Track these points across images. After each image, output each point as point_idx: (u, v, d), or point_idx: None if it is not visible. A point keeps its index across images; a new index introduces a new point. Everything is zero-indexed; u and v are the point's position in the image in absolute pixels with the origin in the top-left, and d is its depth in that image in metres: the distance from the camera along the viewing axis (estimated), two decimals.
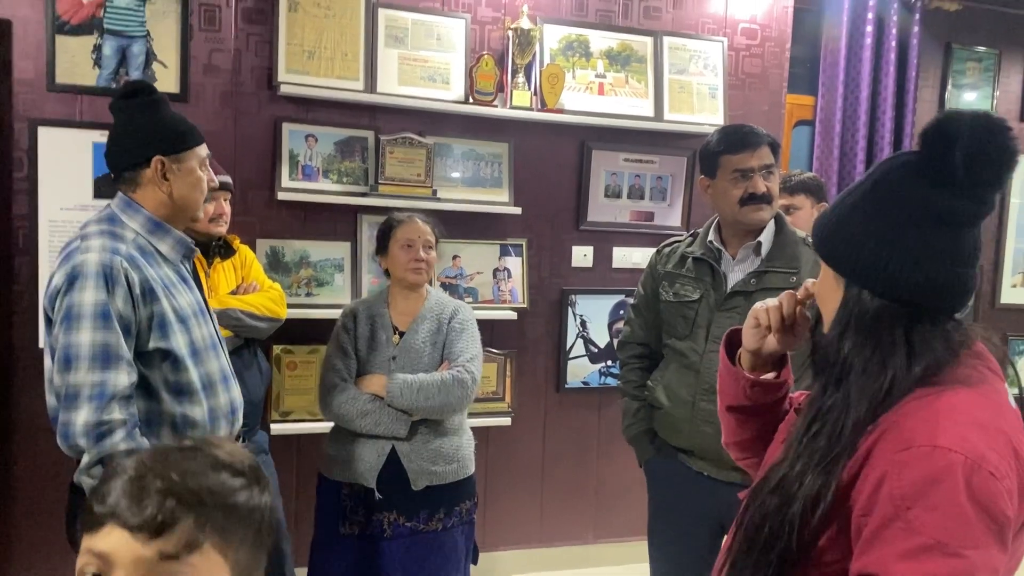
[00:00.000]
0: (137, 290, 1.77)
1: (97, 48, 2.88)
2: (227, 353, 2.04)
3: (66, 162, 2.80)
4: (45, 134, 2.82)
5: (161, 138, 1.88)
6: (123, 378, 1.73)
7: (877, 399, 1.07)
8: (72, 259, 1.77)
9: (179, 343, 1.83)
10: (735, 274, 2.23)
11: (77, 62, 2.86)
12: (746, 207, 2.17)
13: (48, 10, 2.82)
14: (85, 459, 1.71)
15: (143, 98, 1.90)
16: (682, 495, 2.29)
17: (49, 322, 1.80)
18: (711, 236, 2.28)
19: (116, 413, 1.71)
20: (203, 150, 1.96)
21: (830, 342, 1.15)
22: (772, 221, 2.23)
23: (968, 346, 1.11)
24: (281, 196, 3.08)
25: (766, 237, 2.20)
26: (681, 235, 2.47)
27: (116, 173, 1.91)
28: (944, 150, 1.08)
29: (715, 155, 2.22)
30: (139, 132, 1.88)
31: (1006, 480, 0.99)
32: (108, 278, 1.74)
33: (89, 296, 1.73)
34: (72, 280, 1.75)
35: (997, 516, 0.97)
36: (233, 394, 1.98)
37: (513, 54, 3.28)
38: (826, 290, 1.19)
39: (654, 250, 2.49)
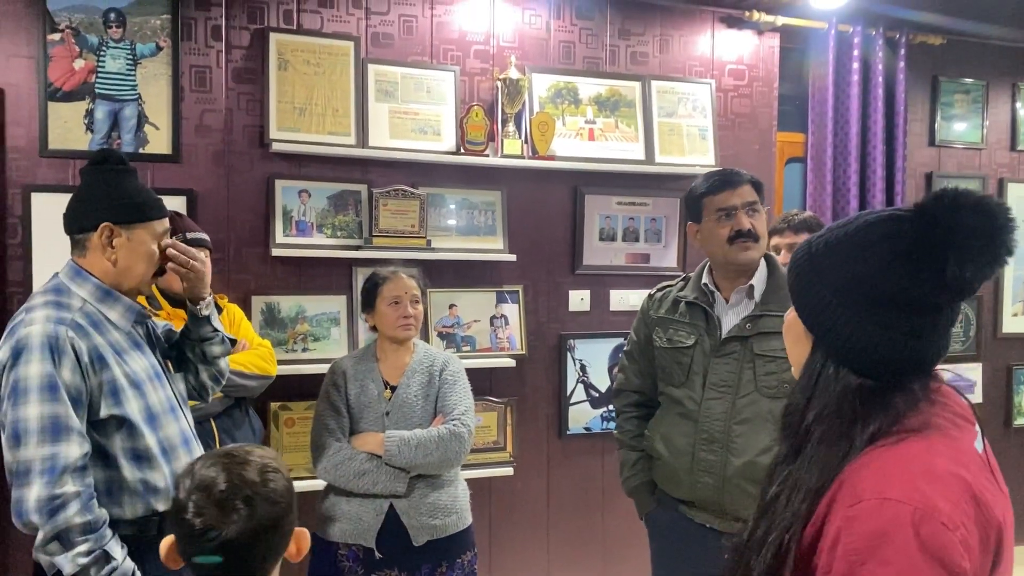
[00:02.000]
0: (85, 358, 1.76)
1: (89, 113, 2.90)
2: (189, 416, 2.02)
3: (60, 227, 2.79)
4: (38, 200, 2.83)
5: (114, 206, 1.87)
6: (74, 449, 1.70)
7: (831, 467, 1.05)
8: (16, 333, 1.76)
9: (133, 409, 1.81)
10: (729, 318, 2.21)
11: (70, 127, 2.88)
12: (734, 245, 2.16)
13: (40, 77, 2.85)
14: (40, 535, 1.68)
15: (109, 166, 1.91)
16: (685, 548, 2.24)
17: None
18: (704, 279, 2.27)
19: (69, 486, 1.68)
20: (160, 226, 1.94)
21: (795, 408, 1.12)
22: (764, 263, 2.22)
23: (929, 396, 1.08)
24: (275, 252, 3.08)
25: (758, 279, 2.19)
26: (673, 279, 2.46)
27: (69, 236, 1.92)
28: (936, 243, 1.02)
29: (698, 198, 2.24)
30: (94, 198, 1.89)
31: (960, 530, 0.96)
32: (54, 349, 1.72)
33: (35, 369, 1.71)
34: (17, 354, 1.73)
35: (952, 568, 0.94)
36: (196, 457, 1.95)
37: (503, 104, 3.31)
38: (794, 333, 1.18)
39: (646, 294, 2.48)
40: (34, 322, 1.75)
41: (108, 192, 1.89)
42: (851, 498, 1.00)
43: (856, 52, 3.91)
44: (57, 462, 1.68)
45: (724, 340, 2.17)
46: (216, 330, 2.11)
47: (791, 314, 1.19)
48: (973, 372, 4.24)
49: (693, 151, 3.64)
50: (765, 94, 3.84)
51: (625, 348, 2.50)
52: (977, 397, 4.27)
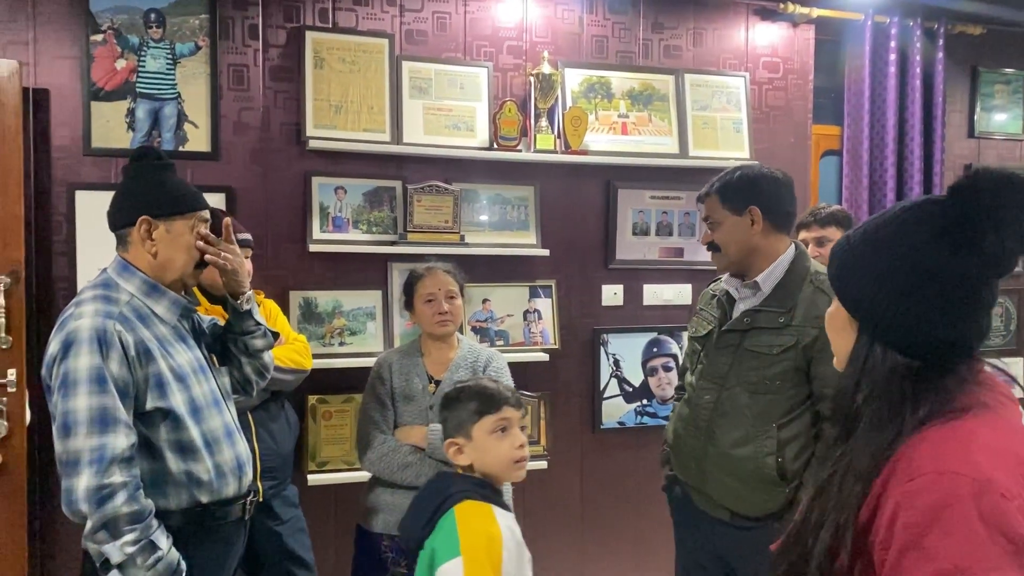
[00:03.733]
0: (132, 352, 1.80)
1: (130, 112, 2.96)
2: (233, 409, 2.05)
3: (103, 224, 2.85)
4: (82, 198, 2.90)
5: (151, 200, 1.92)
6: (122, 440, 1.74)
7: (881, 449, 1.08)
8: (66, 326, 1.80)
9: (178, 402, 1.85)
10: (736, 311, 2.26)
11: (112, 127, 2.94)
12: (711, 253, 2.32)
13: (83, 77, 2.91)
14: (88, 524, 1.72)
15: (146, 162, 1.96)
16: (689, 527, 2.36)
17: (49, 390, 1.82)
18: (725, 276, 2.34)
19: (117, 476, 1.72)
20: (199, 216, 1.98)
21: (845, 391, 1.15)
22: (791, 254, 2.22)
23: (976, 377, 1.11)
24: (313, 248, 3.12)
25: (766, 275, 2.20)
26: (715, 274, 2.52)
27: (113, 232, 1.97)
28: (974, 219, 1.07)
29: None
30: (133, 193, 1.94)
31: (1018, 500, 0.98)
32: (102, 342, 1.77)
33: (84, 361, 1.75)
34: (67, 347, 1.77)
35: (1013, 537, 0.96)
36: (239, 449, 1.98)
37: (535, 99, 3.32)
38: (838, 324, 1.20)
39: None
40: (83, 316, 1.80)
41: (145, 187, 1.93)
42: (908, 474, 1.03)
43: (893, 43, 3.86)
44: (105, 452, 1.72)
45: (723, 332, 2.24)
46: (258, 324, 2.14)
47: (832, 306, 1.22)
48: (1014, 366, 4.17)
49: (727, 144, 3.63)
50: (800, 87, 3.81)
51: None
52: (1017, 392, 4.20)
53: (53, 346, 1.81)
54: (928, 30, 3.93)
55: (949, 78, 4.00)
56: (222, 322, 2.19)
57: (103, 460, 1.72)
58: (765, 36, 3.75)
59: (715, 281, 2.46)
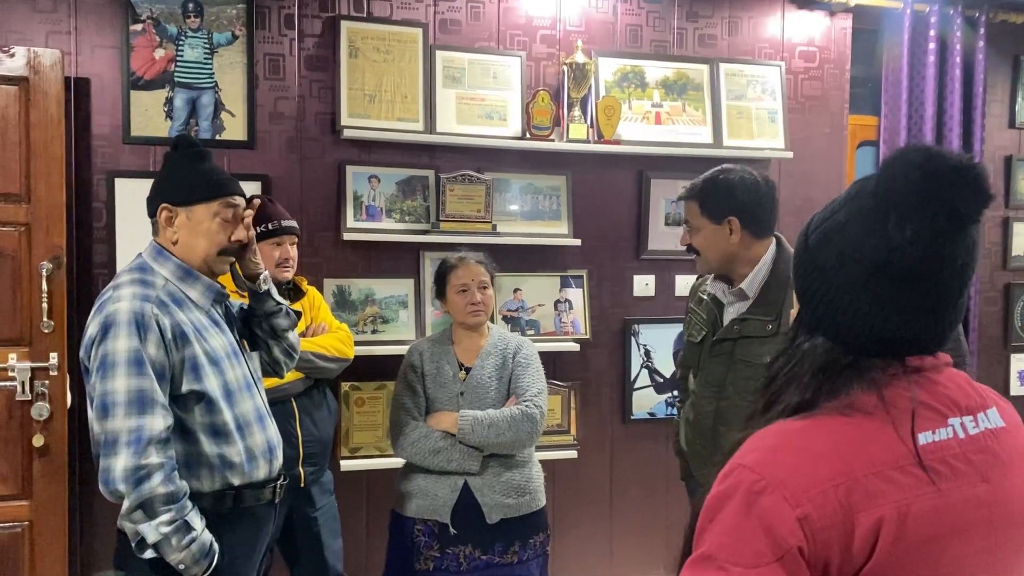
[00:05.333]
0: (169, 335, 1.83)
1: (169, 101, 3.00)
2: (264, 393, 2.08)
3: (141, 211, 2.90)
4: (121, 185, 2.95)
5: (171, 187, 1.95)
6: (159, 422, 1.77)
7: (745, 434, 1.05)
8: (105, 309, 1.83)
9: (212, 385, 1.88)
10: (727, 318, 2.24)
11: (150, 115, 2.99)
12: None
13: (123, 67, 2.96)
14: (125, 504, 1.75)
15: (181, 151, 1.99)
16: None
17: (87, 372, 1.86)
18: (710, 279, 2.31)
19: (153, 457, 1.75)
20: (222, 204, 1.95)
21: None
22: (773, 254, 2.18)
23: (882, 383, 1.00)
24: (346, 236, 3.15)
25: (750, 281, 2.18)
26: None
27: (149, 218, 2.01)
28: (884, 204, 0.98)
29: None
30: (160, 182, 1.98)
31: (803, 508, 0.92)
32: (140, 325, 1.79)
33: (122, 344, 1.78)
34: (106, 329, 1.80)
35: (778, 540, 0.92)
36: (269, 433, 2.01)
37: (568, 88, 3.31)
38: (794, 310, 1.17)
39: None
40: (121, 299, 1.83)
41: (171, 175, 1.97)
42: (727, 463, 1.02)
43: (932, 32, 3.80)
44: (143, 434, 1.75)
45: (715, 341, 2.22)
46: (279, 304, 2.16)
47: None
48: None
49: (762, 135, 3.60)
50: (836, 76, 3.76)
51: None
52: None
53: (92, 328, 1.84)
54: (969, 18, 3.87)
55: (990, 67, 3.93)
56: None
57: (140, 441, 1.75)
58: (801, 25, 3.71)
59: (703, 277, 2.42)
